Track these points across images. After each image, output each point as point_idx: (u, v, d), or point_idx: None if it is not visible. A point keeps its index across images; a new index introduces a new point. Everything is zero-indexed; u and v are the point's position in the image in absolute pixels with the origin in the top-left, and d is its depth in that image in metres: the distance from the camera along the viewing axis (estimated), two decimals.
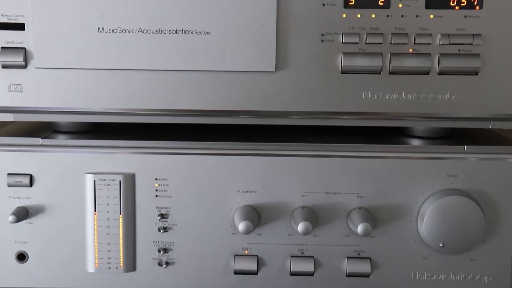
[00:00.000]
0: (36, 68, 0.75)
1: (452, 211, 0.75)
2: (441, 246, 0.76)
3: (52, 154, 0.77)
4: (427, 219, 0.75)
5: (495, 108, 0.76)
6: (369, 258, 0.78)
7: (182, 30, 0.74)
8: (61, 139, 0.78)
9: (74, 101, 0.76)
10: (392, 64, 0.74)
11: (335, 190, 0.77)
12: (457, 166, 0.76)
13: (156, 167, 0.77)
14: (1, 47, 0.75)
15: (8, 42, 0.75)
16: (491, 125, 0.76)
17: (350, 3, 0.74)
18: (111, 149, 0.77)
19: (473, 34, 0.74)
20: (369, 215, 0.76)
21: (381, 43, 0.74)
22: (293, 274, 0.78)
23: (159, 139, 0.78)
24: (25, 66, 0.75)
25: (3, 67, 0.75)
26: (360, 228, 0.74)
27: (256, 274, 0.78)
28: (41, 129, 0.83)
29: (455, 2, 0.74)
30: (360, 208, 0.77)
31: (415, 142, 0.80)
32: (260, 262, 0.78)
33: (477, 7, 0.74)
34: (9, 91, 0.76)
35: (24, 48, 0.75)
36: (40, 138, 0.77)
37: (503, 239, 0.77)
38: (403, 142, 0.80)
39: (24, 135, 0.79)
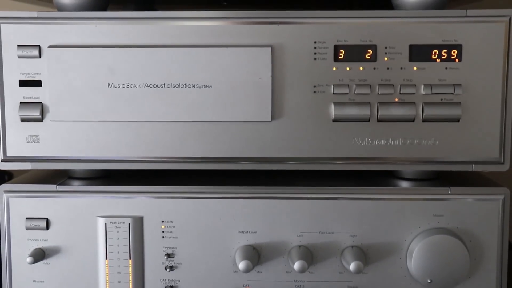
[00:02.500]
0: (51, 121, 0.81)
1: (438, 249, 0.80)
2: (429, 282, 0.81)
3: (66, 199, 0.83)
4: (415, 256, 0.80)
5: (476, 152, 0.81)
6: None
7: (185, 84, 0.80)
8: (75, 185, 0.84)
9: (86, 150, 0.82)
10: (379, 113, 0.80)
11: (329, 230, 0.82)
12: (443, 206, 0.82)
13: (162, 210, 0.83)
14: (20, 102, 0.81)
15: (26, 98, 0.82)
16: (473, 168, 0.82)
17: (340, 57, 0.80)
18: (121, 194, 0.83)
19: (453, 84, 0.80)
20: (361, 253, 0.81)
21: (369, 94, 0.80)
22: None
23: (165, 184, 0.84)
24: (41, 119, 0.82)
25: (22, 120, 0.82)
26: (352, 266, 0.79)
27: None
28: (56, 176, 0.89)
29: (436, 55, 0.80)
30: (352, 247, 0.82)
31: (404, 184, 0.85)
32: None
33: (457, 60, 0.80)
34: (27, 142, 0.82)
35: (41, 103, 0.81)
36: (55, 185, 0.84)
37: (488, 274, 0.82)
38: (392, 184, 0.85)
39: (41, 182, 0.86)
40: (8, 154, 0.82)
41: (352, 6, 1.03)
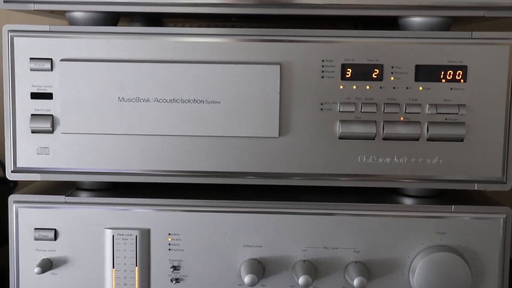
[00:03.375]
0: (62, 133, 0.83)
1: (441, 266, 0.81)
2: None
3: (75, 210, 0.84)
4: (418, 273, 0.82)
5: (479, 172, 0.82)
6: None
7: (194, 100, 0.81)
8: (83, 197, 0.85)
9: (96, 163, 0.83)
10: (385, 131, 0.82)
11: (333, 245, 0.84)
12: (445, 224, 0.83)
13: (169, 223, 0.84)
14: (31, 114, 0.83)
15: (37, 110, 0.83)
16: (476, 187, 0.83)
17: (347, 76, 0.82)
18: (129, 207, 0.84)
19: (458, 105, 0.81)
20: (364, 269, 0.83)
21: (375, 112, 0.82)
22: None
23: (172, 197, 0.85)
24: (52, 131, 0.83)
25: (33, 132, 0.83)
26: (356, 282, 0.81)
27: None
28: (65, 186, 0.90)
29: (441, 76, 0.81)
30: (356, 262, 0.83)
31: (407, 201, 0.86)
32: None
33: (462, 81, 0.81)
34: (37, 154, 0.83)
35: (52, 115, 0.83)
36: (64, 196, 0.85)
37: None
38: (396, 201, 0.86)
39: (49, 192, 0.87)
40: (18, 165, 0.84)
41: (357, 26, 1.05)
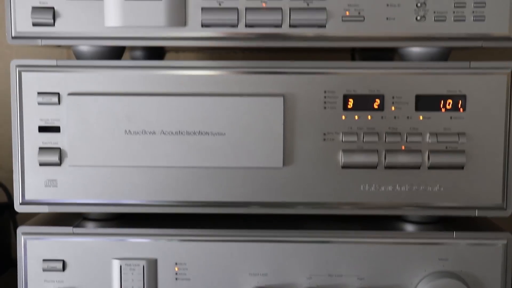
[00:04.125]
0: (69, 166, 0.84)
1: None
2: None
3: (82, 241, 0.85)
4: None
5: (480, 198, 0.84)
6: None
7: (199, 132, 0.83)
8: (91, 228, 0.87)
9: (103, 194, 0.85)
10: (387, 160, 0.83)
11: (337, 272, 0.85)
12: (447, 250, 0.84)
13: (176, 253, 0.85)
14: (39, 148, 0.84)
15: (45, 143, 0.84)
16: (476, 213, 0.85)
17: (349, 106, 0.84)
18: (135, 237, 0.85)
19: (458, 133, 0.83)
20: None
21: (376, 141, 0.83)
22: None
23: (179, 227, 0.86)
24: (60, 164, 0.84)
25: (41, 164, 0.84)
26: None
27: None
28: (72, 216, 0.91)
29: (441, 105, 0.83)
30: None
31: (409, 227, 0.88)
32: None
33: (461, 110, 0.83)
34: (45, 186, 0.85)
35: (59, 148, 0.84)
36: (72, 227, 0.86)
37: None
38: (398, 227, 0.88)
39: (56, 222, 0.88)
40: (26, 198, 0.85)
41: (353, 54, 1.07)
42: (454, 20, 0.82)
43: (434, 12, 0.82)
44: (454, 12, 0.82)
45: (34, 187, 0.85)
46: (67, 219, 0.90)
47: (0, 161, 1.22)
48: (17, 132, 0.84)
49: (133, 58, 1.08)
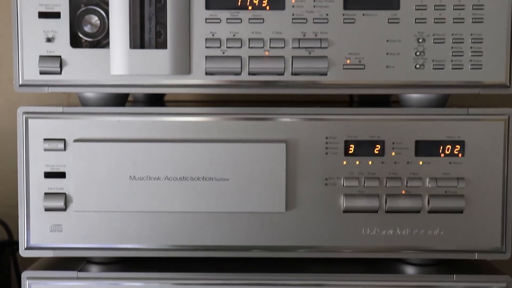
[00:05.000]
0: (75, 211, 0.85)
1: None
2: None
3: (87, 285, 0.86)
4: None
5: (479, 242, 0.85)
6: None
7: (203, 177, 0.84)
8: (95, 272, 0.87)
9: (108, 239, 0.86)
10: (387, 204, 0.85)
11: None
12: None
13: None
14: (45, 193, 0.85)
15: (50, 188, 0.85)
16: (476, 256, 0.86)
17: (350, 152, 0.85)
18: (140, 281, 0.86)
19: (457, 178, 0.85)
20: None
21: (377, 186, 0.85)
22: None
23: (182, 271, 0.87)
24: (65, 209, 0.85)
25: (46, 210, 0.85)
26: None
27: None
28: (75, 259, 0.92)
29: (440, 150, 0.85)
30: None
31: (410, 270, 0.89)
32: None
33: (460, 155, 0.85)
34: (50, 231, 0.86)
35: (65, 193, 0.85)
36: (76, 271, 0.87)
37: None
38: (399, 270, 0.89)
39: (61, 265, 0.89)
40: (31, 243, 0.86)
41: (352, 99, 1.09)
42: (452, 68, 0.84)
43: (433, 60, 0.84)
44: (452, 61, 0.84)
45: (39, 232, 0.86)
46: (71, 262, 0.91)
47: (0, 196, 1.23)
48: (23, 178, 0.85)
49: (136, 99, 1.09)
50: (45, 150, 0.85)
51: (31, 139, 0.85)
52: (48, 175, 0.85)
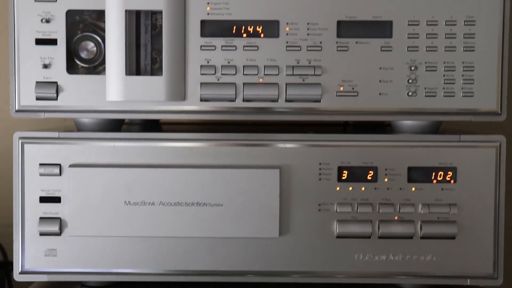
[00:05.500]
0: (69, 236, 0.85)
1: None
2: None
3: None
4: None
5: (472, 267, 0.86)
6: None
7: (198, 203, 0.85)
8: None
9: (102, 264, 0.86)
10: (380, 230, 0.85)
11: None
12: None
13: None
14: (40, 218, 0.86)
15: (46, 213, 0.86)
16: (468, 282, 0.86)
17: (343, 178, 0.86)
18: None
19: (449, 204, 0.86)
20: None
21: (370, 212, 0.86)
22: None
23: None
24: (60, 234, 0.86)
25: (41, 234, 0.86)
26: None
27: None
28: (69, 283, 0.92)
29: (433, 177, 0.86)
30: None
31: None
32: None
33: (452, 181, 0.86)
34: (45, 256, 0.86)
35: (60, 218, 0.86)
36: None
37: None
38: None
39: None
40: (26, 267, 0.86)
41: (346, 125, 1.09)
42: (444, 96, 0.85)
43: (425, 88, 0.85)
44: (444, 88, 0.85)
45: (33, 256, 0.86)
46: (65, 286, 0.91)
47: None
48: (19, 203, 0.86)
49: (132, 121, 1.10)
50: (41, 175, 0.85)
51: (26, 164, 0.86)
52: (43, 199, 0.86)
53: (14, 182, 0.86)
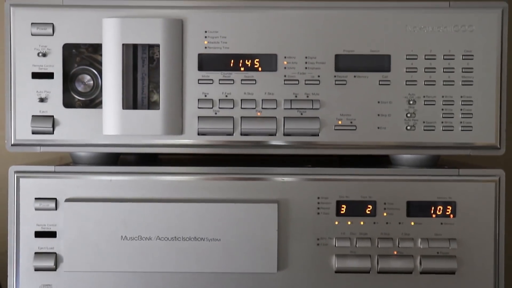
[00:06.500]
0: (65, 271, 0.84)
1: None
2: None
3: None
4: None
5: None
6: None
7: (195, 238, 0.84)
8: None
9: None
10: (379, 265, 0.85)
11: None
12: None
13: None
14: (35, 252, 0.84)
15: (41, 248, 0.85)
16: None
17: (342, 212, 0.85)
18: None
19: (449, 239, 0.85)
20: None
21: (369, 247, 0.85)
22: None
23: None
24: (55, 269, 0.84)
25: (36, 270, 0.84)
26: None
27: None
28: None
29: (432, 211, 0.85)
30: None
31: None
32: None
33: (451, 216, 0.85)
34: None
35: (55, 253, 0.85)
36: None
37: None
38: None
39: None
40: None
41: (341, 162, 1.09)
42: (443, 130, 0.85)
43: (424, 122, 0.85)
44: (442, 122, 0.85)
45: None
46: None
47: None
48: (13, 237, 0.85)
49: (128, 154, 1.09)
50: (36, 209, 0.85)
51: (22, 198, 0.85)
52: (38, 234, 0.85)
53: (9, 216, 0.85)
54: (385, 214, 0.85)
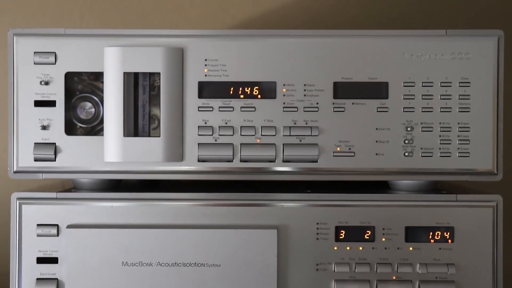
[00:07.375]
0: None
1: None
2: None
3: None
4: None
5: None
6: None
7: (195, 264, 0.85)
8: None
9: None
10: None
11: None
12: None
13: None
14: (37, 278, 0.85)
15: (42, 274, 0.85)
16: None
17: (341, 237, 0.86)
18: None
19: (447, 264, 0.85)
20: None
21: (368, 272, 0.85)
22: None
23: None
24: None
25: None
26: None
27: None
28: None
29: (430, 236, 0.86)
30: None
31: None
32: None
33: (449, 241, 0.86)
34: None
35: (57, 279, 0.85)
36: None
37: None
38: None
39: None
40: None
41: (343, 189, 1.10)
42: (440, 156, 0.86)
43: (421, 148, 0.86)
44: (440, 148, 0.86)
45: None
46: None
47: None
48: (15, 263, 0.86)
49: (128, 182, 1.10)
50: (38, 235, 0.85)
51: (24, 224, 0.86)
52: (40, 260, 0.86)
53: (11, 242, 0.86)
54: (383, 239, 0.86)
